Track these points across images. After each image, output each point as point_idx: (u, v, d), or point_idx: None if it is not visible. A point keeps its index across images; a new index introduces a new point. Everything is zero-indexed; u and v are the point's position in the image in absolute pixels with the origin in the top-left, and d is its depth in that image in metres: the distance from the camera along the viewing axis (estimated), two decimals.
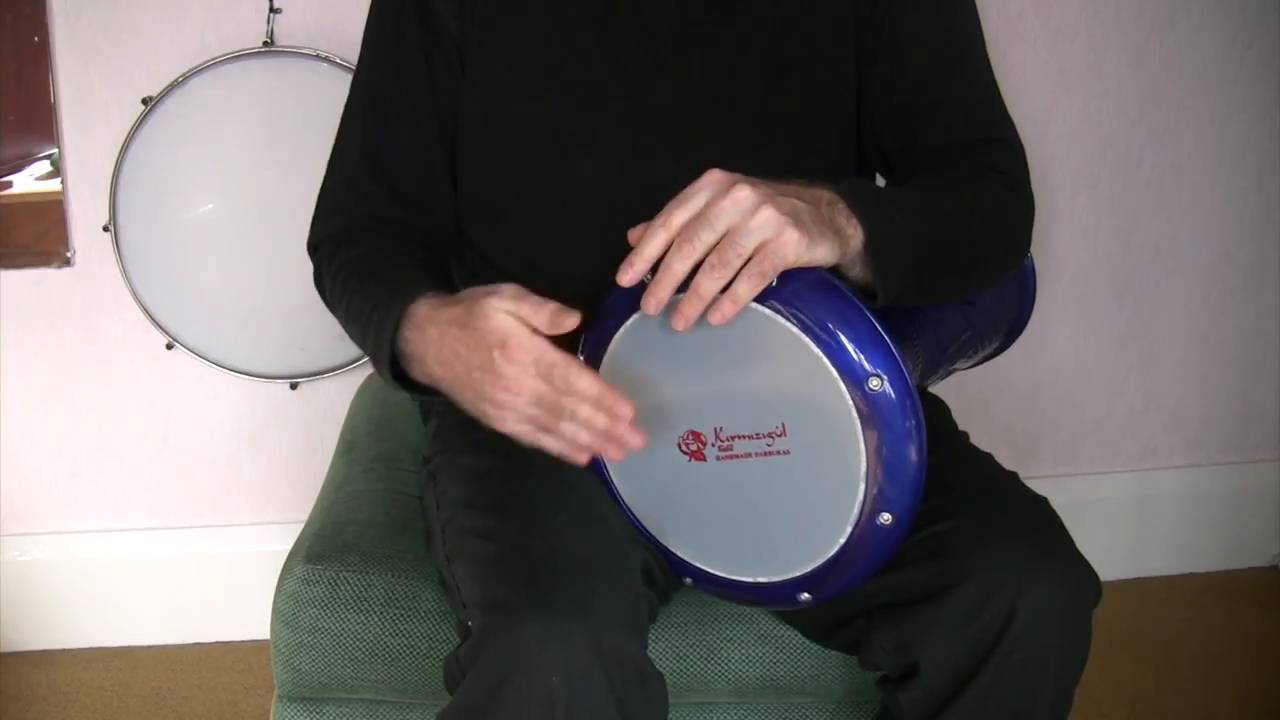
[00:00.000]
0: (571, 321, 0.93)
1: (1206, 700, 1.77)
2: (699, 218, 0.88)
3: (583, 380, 0.91)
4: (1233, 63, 1.91)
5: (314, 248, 1.22)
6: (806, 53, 1.15)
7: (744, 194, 0.88)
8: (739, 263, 0.88)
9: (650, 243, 0.90)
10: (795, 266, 0.89)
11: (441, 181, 1.20)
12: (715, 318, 0.88)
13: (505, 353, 0.92)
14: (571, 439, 0.95)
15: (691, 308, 0.89)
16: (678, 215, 0.89)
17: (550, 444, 0.96)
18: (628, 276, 0.91)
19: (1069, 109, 1.90)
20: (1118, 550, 2.06)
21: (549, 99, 1.15)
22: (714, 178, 0.90)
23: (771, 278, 0.89)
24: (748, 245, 0.87)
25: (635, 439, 0.94)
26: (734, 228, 0.87)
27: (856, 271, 0.95)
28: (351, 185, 1.19)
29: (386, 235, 1.17)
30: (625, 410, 0.92)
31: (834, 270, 0.96)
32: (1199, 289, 2.02)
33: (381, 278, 1.09)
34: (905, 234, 0.96)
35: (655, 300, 0.90)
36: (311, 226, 1.22)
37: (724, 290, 0.88)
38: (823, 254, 0.90)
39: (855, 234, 0.93)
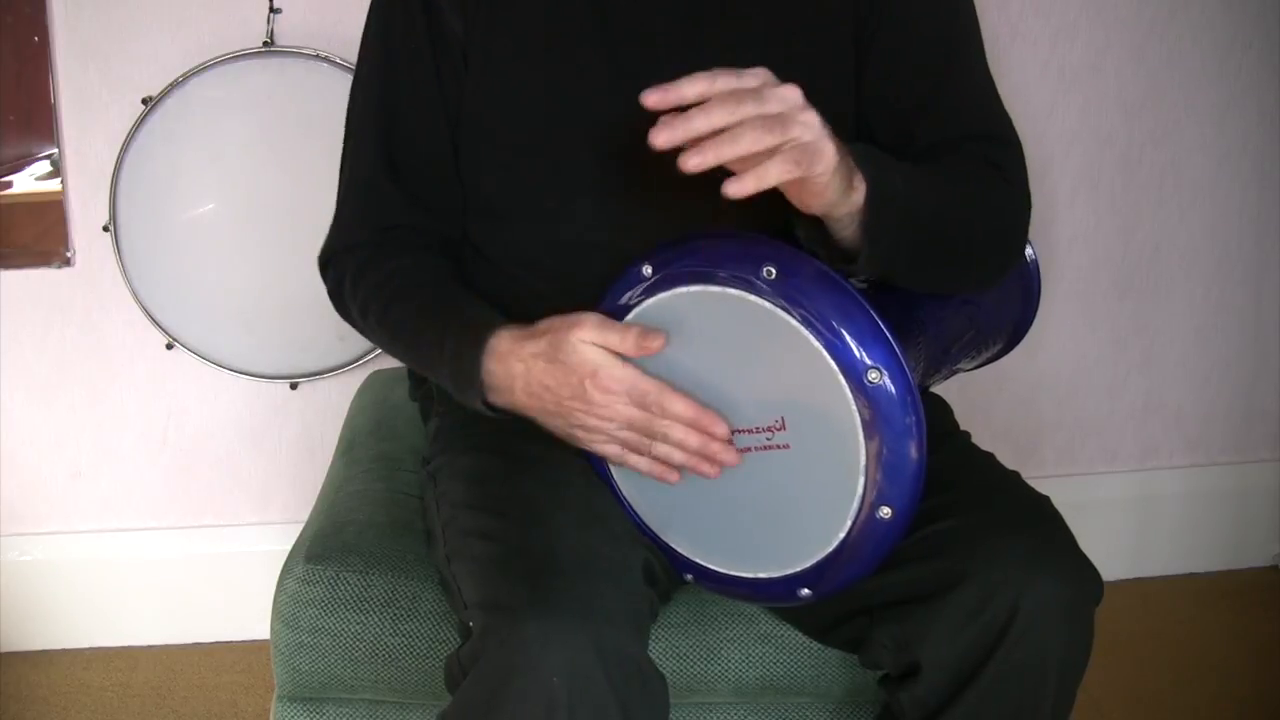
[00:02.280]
0: (657, 344, 0.96)
1: (1207, 700, 1.76)
2: (749, 91, 0.85)
3: (677, 404, 0.96)
4: (1233, 62, 1.91)
5: (329, 259, 1.21)
6: (806, 52, 1.14)
7: (795, 93, 0.87)
8: (779, 139, 0.85)
9: (692, 84, 0.85)
10: (805, 185, 0.89)
11: (455, 184, 1.19)
12: (733, 189, 0.85)
13: (597, 382, 0.97)
14: (665, 459, 0.99)
15: (714, 151, 0.84)
16: (725, 79, 0.86)
17: (640, 464, 1.01)
18: (663, 137, 0.84)
19: (1069, 109, 1.90)
20: (1118, 550, 2.06)
21: (548, 100, 1.15)
22: (766, 71, 0.88)
23: (800, 173, 0.87)
24: (791, 132, 0.86)
25: (730, 456, 0.97)
26: (781, 113, 0.86)
27: (848, 232, 0.95)
28: (371, 188, 1.19)
29: (415, 248, 1.17)
30: (720, 429, 0.96)
31: (821, 230, 0.96)
32: (1199, 288, 2.01)
33: (439, 302, 1.11)
34: (904, 198, 0.97)
35: (669, 133, 0.84)
36: (330, 234, 1.22)
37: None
38: (837, 187, 0.91)
39: (858, 188, 0.93)
